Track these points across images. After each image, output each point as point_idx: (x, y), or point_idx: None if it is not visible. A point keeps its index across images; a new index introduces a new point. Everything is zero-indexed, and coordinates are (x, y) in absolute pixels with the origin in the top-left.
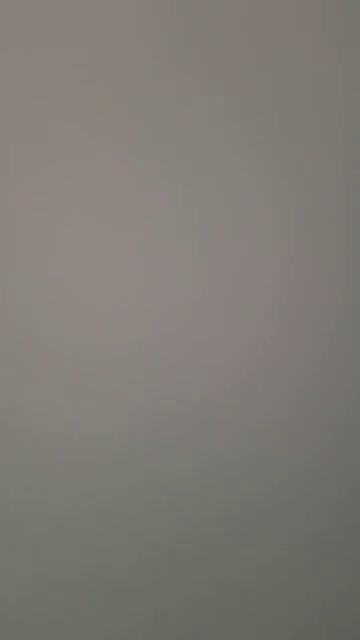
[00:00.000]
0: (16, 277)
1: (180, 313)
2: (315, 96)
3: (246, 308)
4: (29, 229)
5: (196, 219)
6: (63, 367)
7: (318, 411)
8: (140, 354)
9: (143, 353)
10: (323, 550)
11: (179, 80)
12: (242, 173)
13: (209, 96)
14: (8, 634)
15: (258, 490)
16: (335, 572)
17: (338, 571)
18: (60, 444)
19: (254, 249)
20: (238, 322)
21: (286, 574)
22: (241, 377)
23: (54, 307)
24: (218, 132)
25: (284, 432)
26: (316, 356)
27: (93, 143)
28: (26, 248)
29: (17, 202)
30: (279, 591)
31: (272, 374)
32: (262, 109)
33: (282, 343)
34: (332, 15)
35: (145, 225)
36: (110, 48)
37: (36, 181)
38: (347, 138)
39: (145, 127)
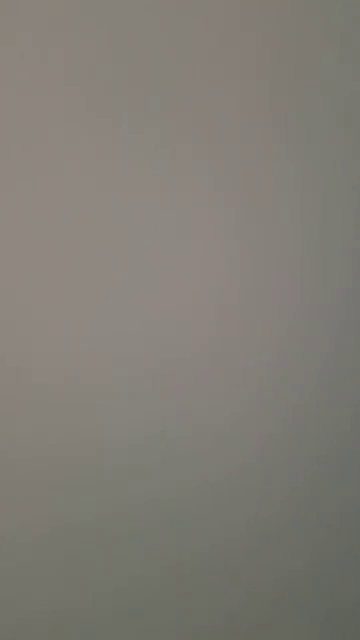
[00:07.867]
0: (12, 289)
1: (181, 334)
2: (322, 95)
3: (247, 332)
4: (28, 234)
5: (198, 228)
6: (63, 385)
7: (318, 433)
8: (142, 374)
9: (145, 373)
10: (324, 573)
11: (181, 78)
12: (246, 177)
13: (211, 95)
14: None
15: (258, 511)
16: (335, 592)
17: (338, 590)
18: (60, 462)
19: (257, 271)
20: (239, 345)
21: (287, 596)
22: (242, 399)
23: (53, 322)
24: (220, 133)
25: (284, 452)
26: (317, 378)
27: (93, 143)
28: (25, 254)
29: (16, 204)
30: (278, 615)
31: (273, 396)
32: (266, 109)
33: (283, 366)
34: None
35: (144, 237)
36: (110, 47)
37: (34, 183)
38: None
39: (146, 127)
